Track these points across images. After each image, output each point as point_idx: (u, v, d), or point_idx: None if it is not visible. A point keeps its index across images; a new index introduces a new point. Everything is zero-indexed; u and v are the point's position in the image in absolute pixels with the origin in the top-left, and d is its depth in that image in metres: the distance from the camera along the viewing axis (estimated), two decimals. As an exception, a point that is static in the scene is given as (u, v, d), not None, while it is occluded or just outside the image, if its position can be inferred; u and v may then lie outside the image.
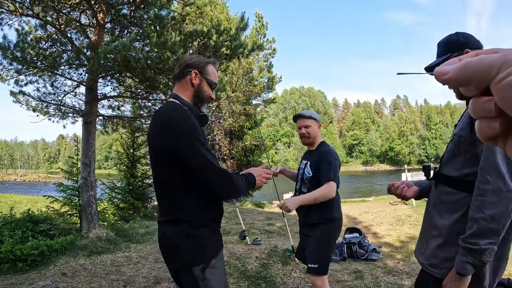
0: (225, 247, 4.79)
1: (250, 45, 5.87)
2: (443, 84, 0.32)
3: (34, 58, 5.37)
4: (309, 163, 2.58)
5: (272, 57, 14.68)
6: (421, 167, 1.77)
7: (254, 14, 13.53)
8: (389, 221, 8.79)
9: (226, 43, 5.22)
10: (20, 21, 6.73)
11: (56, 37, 5.95)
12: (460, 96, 1.46)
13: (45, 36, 6.19)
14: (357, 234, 5.37)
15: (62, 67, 6.25)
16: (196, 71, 1.63)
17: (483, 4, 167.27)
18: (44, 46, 5.99)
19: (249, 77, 13.55)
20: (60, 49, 4.93)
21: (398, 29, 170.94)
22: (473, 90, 0.32)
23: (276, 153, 68.64)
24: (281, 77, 15.42)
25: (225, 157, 15.73)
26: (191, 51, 5.11)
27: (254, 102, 15.62)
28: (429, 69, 1.56)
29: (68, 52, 5.18)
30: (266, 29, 13.69)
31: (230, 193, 1.60)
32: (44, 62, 5.08)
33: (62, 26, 6.12)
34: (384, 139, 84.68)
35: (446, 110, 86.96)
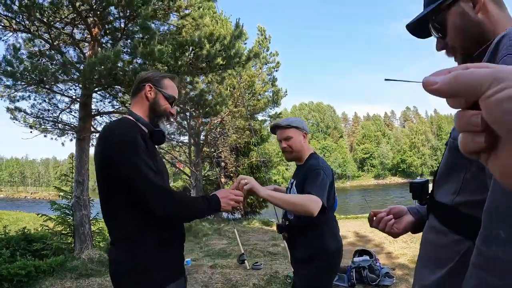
0: (221, 272, 4.39)
1: (246, 54, 5.54)
2: (431, 94, 0.32)
3: (23, 72, 5.20)
4: (295, 182, 2.12)
5: (276, 70, 14.43)
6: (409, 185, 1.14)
7: (257, 28, 13.36)
8: (403, 238, 8.21)
9: (220, 52, 4.93)
10: (17, 37, 6.69)
11: (49, 52, 5.80)
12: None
13: (37, 51, 6.04)
14: (367, 257, 4.88)
15: (58, 83, 6.11)
16: (150, 84, 1.56)
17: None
18: (35, 61, 5.83)
19: (251, 91, 13.28)
20: (48, 62, 4.72)
21: (403, 40, 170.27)
22: (461, 103, 0.32)
23: (287, 169, 67.95)
24: (286, 91, 15.10)
25: (232, 175, 15.37)
26: (181, 62, 4.84)
27: (259, 117, 15.29)
28: (422, 32, 1.05)
29: (57, 66, 4.96)
30: (269, 42, 13.49)
31: (177, 216, 1.45)
32: (32, 75, 4.89)
33: (56, 42, 5.97)
34: (396, 151, 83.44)
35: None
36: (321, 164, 2.03)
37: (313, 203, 1.76)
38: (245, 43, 11.46)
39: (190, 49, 4.69)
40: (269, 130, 2.35)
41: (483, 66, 0.30)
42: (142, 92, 1.55)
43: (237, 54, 5.17)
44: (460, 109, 0.32)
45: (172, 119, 1.70)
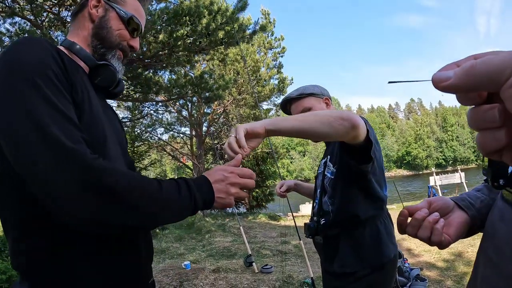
0: (225, 278, 3.78)
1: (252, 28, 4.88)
2: (444, 91, 0.28)
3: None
4: (329, 157, 1.50)
5: (281, 56, 13.74)
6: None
7: (260, 11, 12.63)
8: (421, 233, 7.67)
9: (221, 25, 4.27)
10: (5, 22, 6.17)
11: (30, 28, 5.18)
12: None
13: (17, 30, 5.43)
14: (394, 257, 4.27)
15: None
16: None
17: (492, 2, 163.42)
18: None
19: (256, 77, 12.58)
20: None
21: (408, 32, 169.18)
22: (475, 98, 0.28)
23: (291, 162, 67.52)
24: (292, 79, 14.45)
25: (235, 167, 14.80)
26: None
27: (264, 106, 14.64)
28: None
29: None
30: (274, 27, 12.79)
31: (122, 225, 0.67)
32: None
33: (38, 19, 5.36)
34: (400, 143, 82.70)
35: (462, 111, 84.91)
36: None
37: (352, 113, 1.07)
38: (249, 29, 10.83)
39: (187, 19, 4.05)
40: (280, 110, 1.57)
41: (494, 53, 0.26)
42: (85, 10, 0.90)
43: (241, 28, 4.51)
44: (472, 106, 0.28)
45: (131, 54, 1.02)
